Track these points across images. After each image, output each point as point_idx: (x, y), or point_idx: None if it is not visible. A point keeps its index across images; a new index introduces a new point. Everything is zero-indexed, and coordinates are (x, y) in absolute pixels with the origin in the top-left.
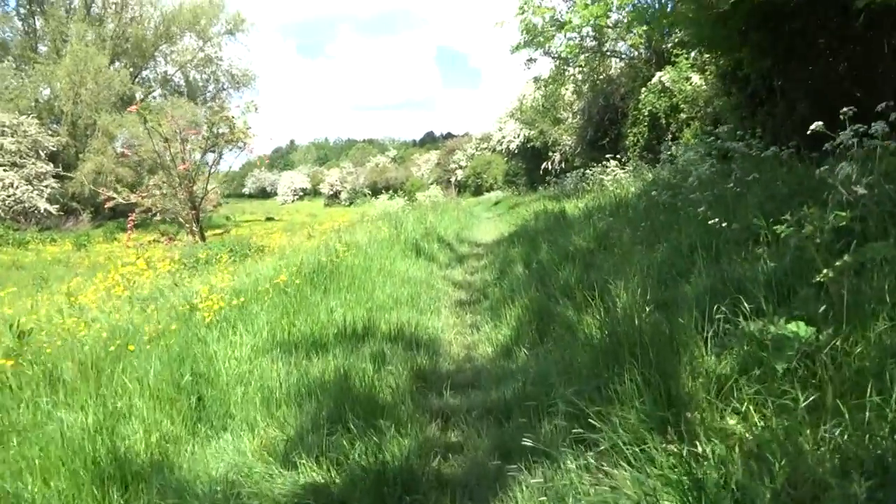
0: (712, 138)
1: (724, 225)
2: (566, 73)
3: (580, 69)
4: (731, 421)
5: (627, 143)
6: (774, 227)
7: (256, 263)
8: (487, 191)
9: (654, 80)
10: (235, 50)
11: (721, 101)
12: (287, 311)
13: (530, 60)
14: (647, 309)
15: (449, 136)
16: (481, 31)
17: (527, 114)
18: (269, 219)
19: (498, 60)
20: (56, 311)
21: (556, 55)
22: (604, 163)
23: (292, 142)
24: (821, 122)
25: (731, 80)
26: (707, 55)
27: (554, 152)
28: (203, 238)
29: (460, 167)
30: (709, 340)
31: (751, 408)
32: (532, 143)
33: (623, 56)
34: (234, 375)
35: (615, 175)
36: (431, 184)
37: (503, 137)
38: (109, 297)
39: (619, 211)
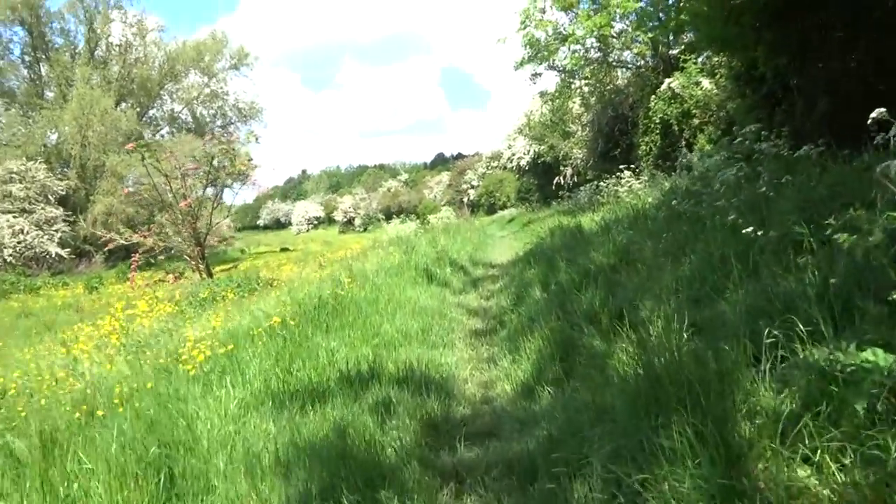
0: (738, 139)
1: (758, 233)
2: (572, 86)
3: (586, 81)
4: (803, 473)
5: (640, 152)
6: (826, 233)
7: (260, 300)
8: (501, 209)
9: (664, 87)
10: (241, 84)
11: (735, 103)
12: (282, 355)
13: (535, 75)
14: (685, 336)
15: (459, 156)
16: (485, 51)
17: (535, 129)
18: (283, 249)
19: (504, 78)
20: (46, 364)
21: (561, 68)
22: (617, 174)
23: (304, 171)
24: (883, 109)
25: (746, 80)
26: (718, 57)
27: (565, 166)
28: (210, 274)
29: (472, 187)
30: (766, 373)
31: (826, 457)
32: (543, 159)
33: (629, 65)
34: (218, 438)
35: (630, 185)
36: (444, 205)
37: (513, 154)
38: (106, 344)
39: (637, 223)
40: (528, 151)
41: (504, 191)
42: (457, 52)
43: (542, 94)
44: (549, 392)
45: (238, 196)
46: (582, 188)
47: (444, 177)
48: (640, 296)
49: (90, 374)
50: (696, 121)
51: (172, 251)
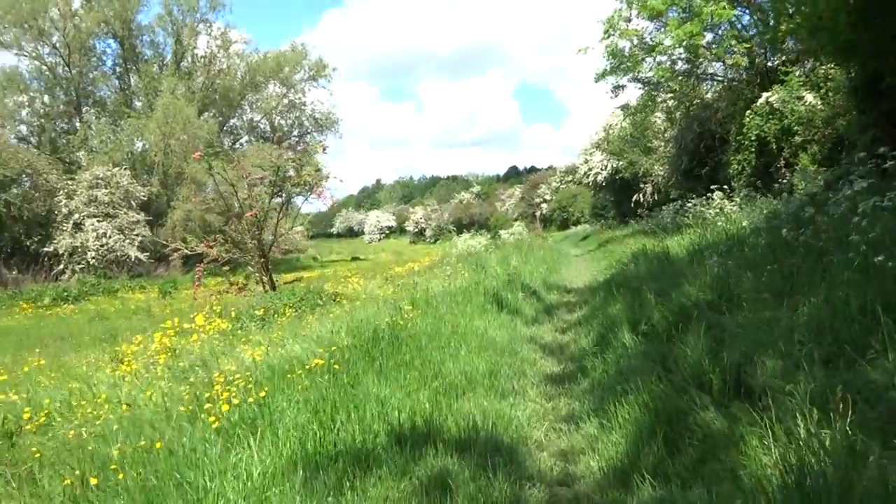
0: (862, 157)
1: None
2: (656, 100)
3: (672, 94)
4: None
5: (731, 171)
6: None
7: (317, 321)
8: (574, 224)
9: (760, 101)
10: (318, 95)
11: (847, 119)
12: (324, 405)
13: (617, 88)
14: (847, 430)
15: (533, 170)
16: (563, 65)
17: (614, 144)
18: (354, 258)
19: (581, 94)
20: (82, 386)
21: (645, 80)
22: (706, 194)
23: (378, 181)
24: None
25: (864, 94)
26: (825, 69)
27: (645, 184)
28: (273, 286)
29: (545, 201)
30: None
31: None
32: (620, 175)
33: (720, 78)
34: None
35: (722, 207)
36: (516, 219)
37: (590, 169)
38: (154, 363)
39: (732, 251)
40: (606, 167)
41: (578, 206)
42: (534, 66)
43: (623, 108)
44: (651, 484)
45: (312, 205)
46: (663, 207)
47: (517, 190)
48: (755, 349)
49: (114, 413)
50: (797, 139)
51: (238, 261)
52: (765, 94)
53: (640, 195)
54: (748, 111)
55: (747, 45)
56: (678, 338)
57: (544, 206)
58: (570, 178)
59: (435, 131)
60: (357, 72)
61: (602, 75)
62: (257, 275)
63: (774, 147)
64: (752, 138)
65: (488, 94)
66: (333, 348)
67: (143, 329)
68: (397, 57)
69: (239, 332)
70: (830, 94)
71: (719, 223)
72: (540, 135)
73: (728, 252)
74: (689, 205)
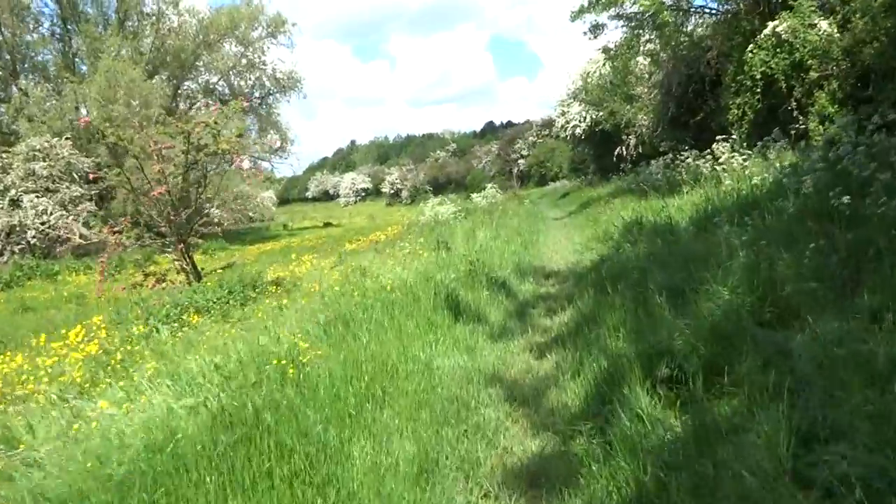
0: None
1: None
2: (640, 39)
3: (658, 32)
4: None
5: (729, 117)
6: None
7: (232, 331)
8: (552, 180)
9: (766, 31)
10: (279, 53)
11: (873, 47)
12: None
13: (596, 27)
14: None
15: (509, 125)
16: (536, 16)
17: (593, 93)
18: (327, 224)
19: (555, 44)
20: None
21: (627, 17)
22: (700, 146)
23: (353, 142)
24: None
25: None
26: None
27: (628, 135)
28: (199, 276)
29: (522, 157)
30: None
31: None
32: (600, 127)
33: (712, 9)
34: None
35: (729, 161)
36: (493, 176)
37: (567, 122)
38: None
39: (751, 217)
40: (585, 118)
41: (556, 161)
42: (506, 18)
43: (603, 50)
44: None
45: (289, 168)
46: (651, 162)
47: (494, 147)
48: (857, 418)
49: None
50: (812, 74)
51: (153, 246)
52: (770, 24)
53: (623, 148)
54: (750, 46)
55: None
56: (724, 393)
57: (521, 161)
58: (547, 132)
59: (409, 89)
60: (326, 30)
61: (579, 13)
62: (177, 263)
63: (784, 86)
64: (757, 77)
65: (461, 48)
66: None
67: (71, 322)
68: (366, 14)
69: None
70: (855, 17)
71: (726, 181)
72: (516, 88)
73: (745, 220)
74: (683, 158)
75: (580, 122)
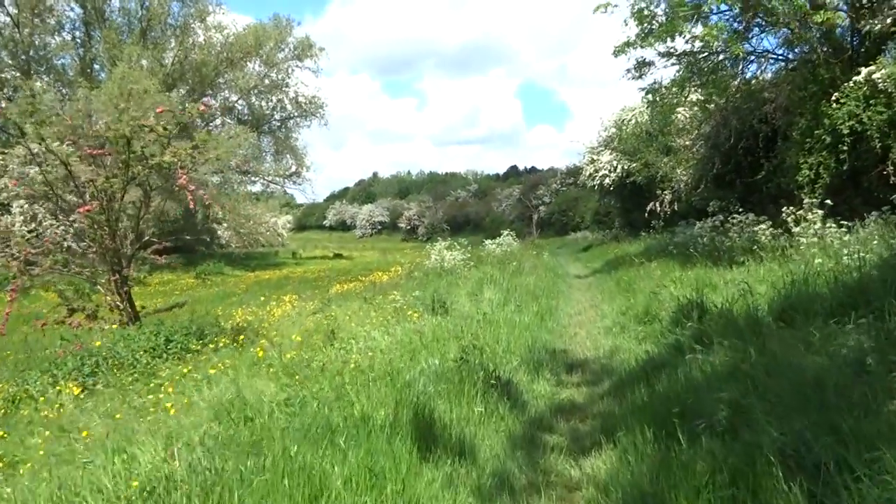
0: None
1: None
2: (691, 82)
3: (713, 77)
4: None
5: (800, 178)
6: None
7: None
8: (573, 230)
9: (859, 78)
10: (304, 77)
11: None
12: None
13: (641, 65)
14: None
15: (533, 170)
16: (567, 66)
17: (627, 142)
18: (336, 255)
19: (585, 96)
20: None
21: (681, 54)
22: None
23: (375, 174)
24: None
25: None
26: None
27: (663, 190)
28: (136, 316)
29: (543, 203)
30: None
31: None
32: (632, 178)
33: (779, 56)
34: None
35: (809, 230)
36: (512, 221)
37: (595, 171)
38: None
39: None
40: (615, 168)
41: (579, 211)
42: (538, 66)
43: (648, 90)
44: None
45: (299, 195)
46: (690, 222)
47: (515, 190)
48: None
49: None
50: None
51: (83, 275)
52: (864, 70)
53: (657, 203)
54: (834, 96)
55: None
56: None
57: (542, 208)
58: (572, 180)
59: (436, 128)
60: (361, 65)
61: (624, 47)
62: (109, 299)
63: (878, 144)
64: (844, 132)
65: (491, 92)
66: None
67: None
68: (401, 51)
69: None
70: None
71: (816, 258)
72: (542, 136)
73: (859, 317)
74: (736, 221)
75: (610, 171)
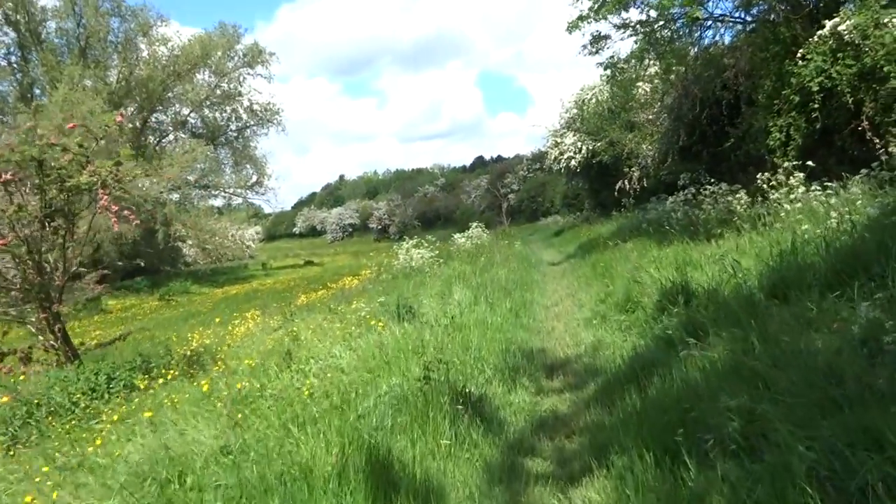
0: None
1: None
2: (650, 53)
3: (670, 47)
4: None
5: (770, 142)
6: None
7: None
8: (544, 216)
9: (824, 31)
10: (257, 85)
11: None
12: None
13: (597, 39)
14: None
15: (499, 159)
16: (524, 52)
17: (590, 122)
18: (308, 263)
19: (544, 80)
20: None
21: (637, 24)
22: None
23: (341, 177)
24: None
25: None
26: None
27: (630, 167)
28: (74, 355)
29: (512, 191)
30: None
31: None
32: (598, 158)
33: (738, 20)
34: None
35: (792, 194)
36: (482, 212)
37: (560, 154)
38: None
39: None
40: (580, 149)
41: (548, 196)
42: (495, 54)
43: (607, 65)
44: None
45: (264, 205)
46: (661, 198)
47: (483, 181)
48: None
49: None
50: (894, 81)
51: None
52: (829, 23)
53: (625, 181)
54: (800, 52)
55: None
56: None
57: (511, 196)
58: (539, 165)
59: (399, 125)
60: (318, 68)
61: (578, 21)
62: (42, 340)
63: (850, 99)
64: (814, 89)
65: (450, 85)
66: None
67: None
68: (356, 51)
69: None
70: None
71: (803, 224)
72: (505, 123)
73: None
74: (709, 193)
75: (575, 153)
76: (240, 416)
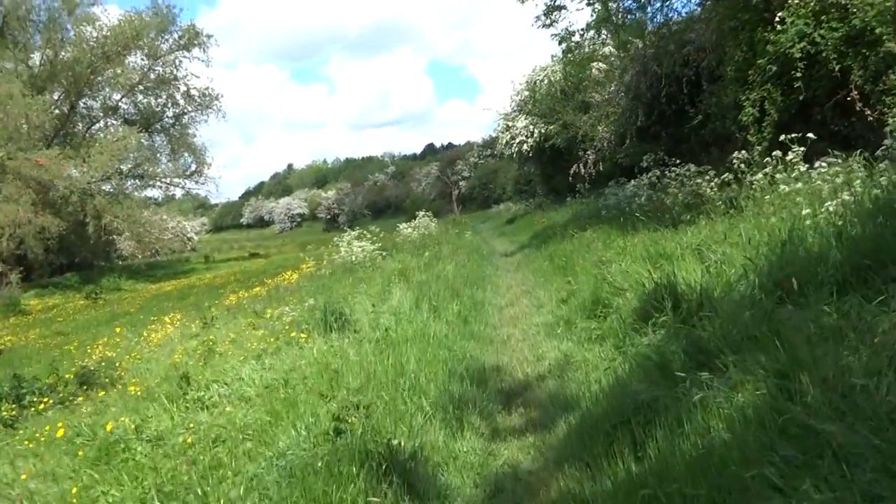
0: None
1: None
2: (609, 23)
3: (629, 16)
4: None
5: (743, 118)
6: None
7: None
8: (496, 203)
9: None
10: (195, 68)
11: None
12: None
13: (551, 10)
14: None
15: (450, 146)
16: (474, 40)
17: (543, 103)
18: (253, 255)
19: (494, 68)
20: None
21: None
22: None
23: (290, 166)
24: None
25: None
26: None
27: (585, 151)
28: None
29: (463, 178)
30: None
31: None
32: (551, 142)
33: None
34: None
35: (799, 176)
36: (431, 203)
37: (512, 138)
38: None
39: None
40: (532, 133)
41: (499, 183)
42: (445, 43)
43: (562, 38)
44: None
45: (218, 193)
46: (620, 182)
47: (433, 168)
48: None
49: None
50: (891, 45)
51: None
52: None
53: (580, 165)
54: (780, 14)
55: None
56: None
57: (462, 184)
58: (490, 151)
59: (349, 113)
60: (266, 55)
61: None
62: None
63: (836, 66)
64: (796, 55)
65: (401, 72)
66: None
67: None
68: (304, 37)
69: None
70: None
71: (804, 208)
72: (455, 111)
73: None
74: (675, 175)
75: (527, 137)
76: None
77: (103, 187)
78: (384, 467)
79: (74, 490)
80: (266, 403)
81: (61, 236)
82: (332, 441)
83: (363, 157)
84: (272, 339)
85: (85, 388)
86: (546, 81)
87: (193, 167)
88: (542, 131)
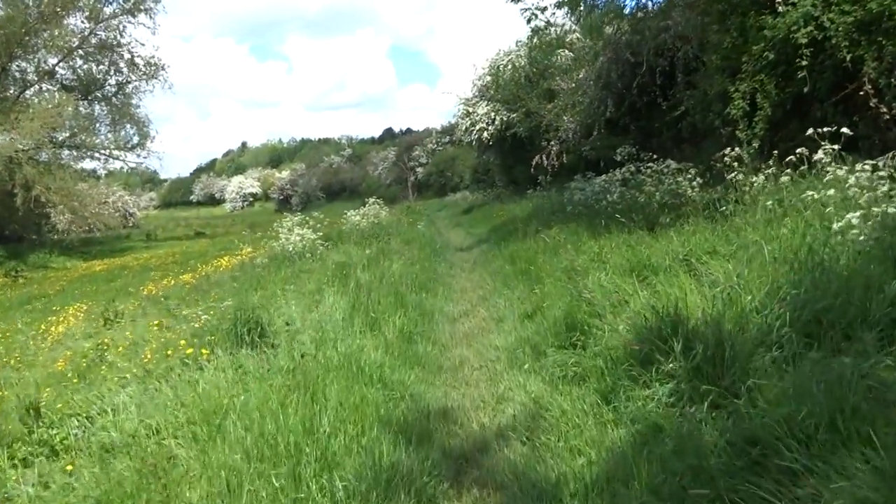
0: None
1: None
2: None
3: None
4: None
5: (733, 111)
6: None
7: None
8: (452, 191)
9: None
10: (141, 35)
11: None
12: None
13: None
14: None
15: (409, 131)
16: (436, 25)
17: (506, 89)
18: (199, 234)
19: (455, 54)
20: None
21: None
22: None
23: (244, 144)
24: None
25: None
26: None
27: (549, 141)
28: None
29: (420, 164)
30: None
31: None
32: (513, 131)
33: None
34: None
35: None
36: (389, 185)
37: (472, 125)
38: None
39: None
40: (494, 121)
41: (457, 171)
42: (406, 27)
43: (532, 14)
44: None
45: (169, 168)
46: (587, 175)
47: (391, 153)
48: None
49: None
50: None
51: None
52: None
53: (543, 157)
54: (765, 4)
55: None
56: None
57: (419, 170)
58: (448, 138)
59: (307, 93)
60: (224, 28)
61: None
62: None
63: (847, 55)
64: (802, 41)
65: (361, 54)
66: None
67: None
68: (264, 13)
69: None
70: None
71: (837, 223)
72: (415, 96)
73: None
74: (651, 170)
75: (488, 124)
76: None
77: (37, 157)
78: None
79: None
80: (124, 464)
81: None
82: None
83: (320, 139)
84: (168, 352)
85: None
86: (510, 67)
87: (136, 140)
88: (504, 119)
